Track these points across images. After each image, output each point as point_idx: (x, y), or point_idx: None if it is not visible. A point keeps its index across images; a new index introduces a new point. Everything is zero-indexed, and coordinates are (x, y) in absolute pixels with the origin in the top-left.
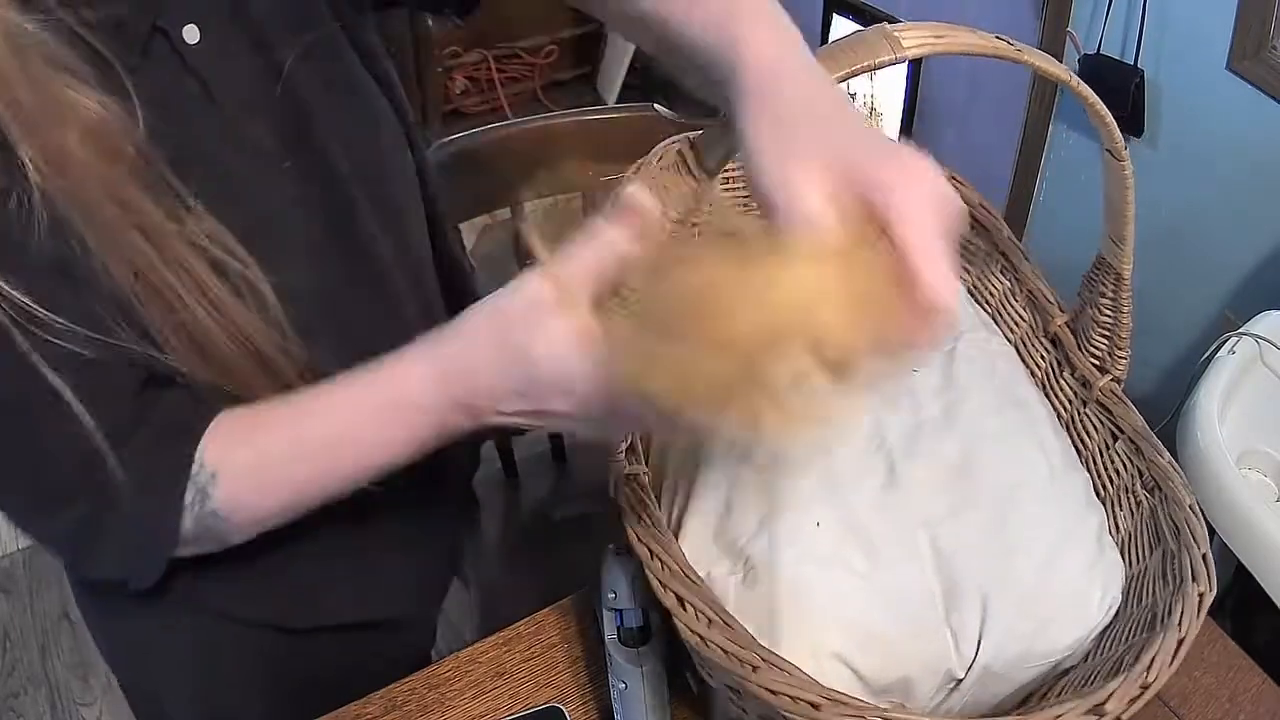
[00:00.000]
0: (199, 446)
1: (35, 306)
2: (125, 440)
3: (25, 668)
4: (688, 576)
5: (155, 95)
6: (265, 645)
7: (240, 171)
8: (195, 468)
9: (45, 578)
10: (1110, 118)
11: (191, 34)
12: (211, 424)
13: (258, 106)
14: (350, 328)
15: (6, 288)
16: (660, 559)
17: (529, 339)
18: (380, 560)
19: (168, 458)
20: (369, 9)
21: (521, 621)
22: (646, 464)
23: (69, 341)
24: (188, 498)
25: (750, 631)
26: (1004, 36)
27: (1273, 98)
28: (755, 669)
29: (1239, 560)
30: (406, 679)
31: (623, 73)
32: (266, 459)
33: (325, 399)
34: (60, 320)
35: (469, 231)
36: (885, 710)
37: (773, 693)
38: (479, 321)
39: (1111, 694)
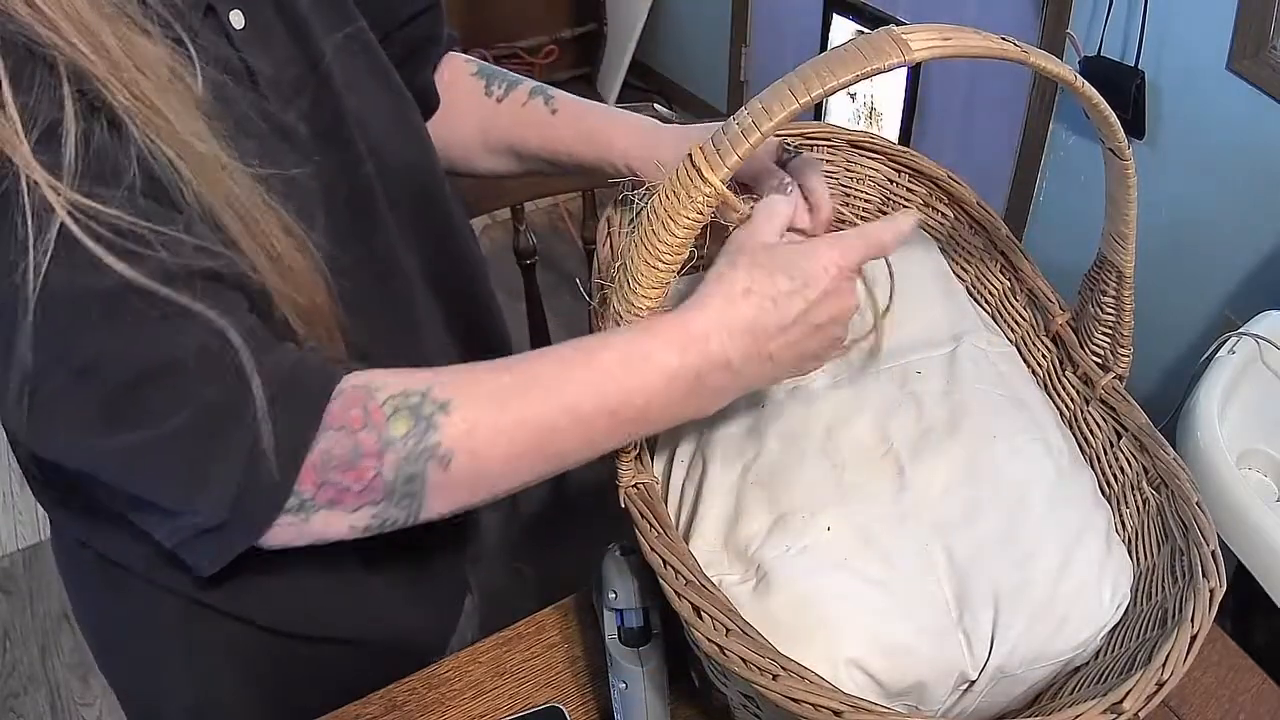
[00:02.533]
0: (419, 377)
1: (139, 221)
2: (264, 350)
3: (25, 668)
4: (703, 585)
5: (208, 72)
6: (255, 645)
7: (278, 158)
8: (416, 398)
9: (45, 578)
10: (1114, 118)
11: (237, 19)
12: (414, 371)
13: (294, 97)
14: (365, 323)
15: (106, 209)
16: (674, 568)
17: (772, 247)
18: (383, 586)
19: (310, 374)
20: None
21: (521, 621)
22: (653, 471)
23: (177, 252)
24: (401, 426)
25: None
26: (1010, 38)
27: (1273, 98)
28: (775, 677)
29: (1239, 560)
30: (406, 679)
31: (623, 73)
32: (522, 382)
33: (593, 337)
34: (163, 229)
35: None
36: (905, 715)
37: (794, 700)
38: (729, 265)
39: (1128, 692)
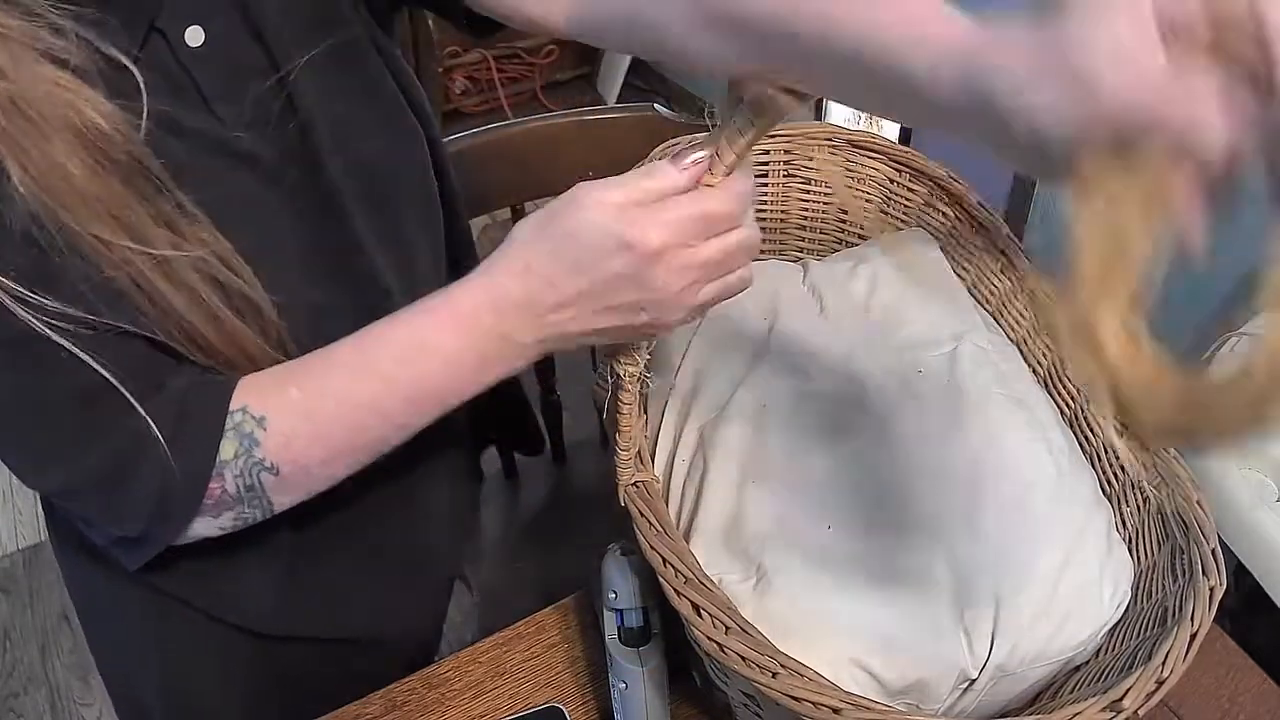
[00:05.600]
0: (235, 394)
1: (22, 290)
2: (154, 390)
3: (25, 668)
4: (703, 583)
5: (151, 102)
6: (241, 645)
7: (236, 185)
8: (239, 415)
9: (45, 578)
10: None
11: (195, 36)
12: (241, 381)
13: (258, 117)
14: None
15: None
16: (674, 566)
17: (572, 213)
18: (366, 591)
19: (204, 400)
20: (393, 8)
21: (521, 621)
22: (654, 470)
23: (64, 321)
24: (229, 449)
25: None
26: None
27: None
28: (775, 675)
29: (1239, 560)
30: (406, 679)
31: (623, 73)
32: (321, 390)
33: (379, 327)
34: (50, 302)
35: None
36: (905, 714)
37: (794, 699)
38: (523, 229)
39: (1128, 690)
